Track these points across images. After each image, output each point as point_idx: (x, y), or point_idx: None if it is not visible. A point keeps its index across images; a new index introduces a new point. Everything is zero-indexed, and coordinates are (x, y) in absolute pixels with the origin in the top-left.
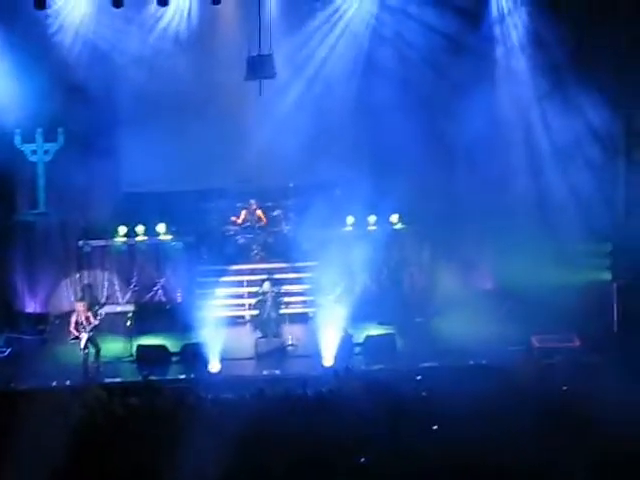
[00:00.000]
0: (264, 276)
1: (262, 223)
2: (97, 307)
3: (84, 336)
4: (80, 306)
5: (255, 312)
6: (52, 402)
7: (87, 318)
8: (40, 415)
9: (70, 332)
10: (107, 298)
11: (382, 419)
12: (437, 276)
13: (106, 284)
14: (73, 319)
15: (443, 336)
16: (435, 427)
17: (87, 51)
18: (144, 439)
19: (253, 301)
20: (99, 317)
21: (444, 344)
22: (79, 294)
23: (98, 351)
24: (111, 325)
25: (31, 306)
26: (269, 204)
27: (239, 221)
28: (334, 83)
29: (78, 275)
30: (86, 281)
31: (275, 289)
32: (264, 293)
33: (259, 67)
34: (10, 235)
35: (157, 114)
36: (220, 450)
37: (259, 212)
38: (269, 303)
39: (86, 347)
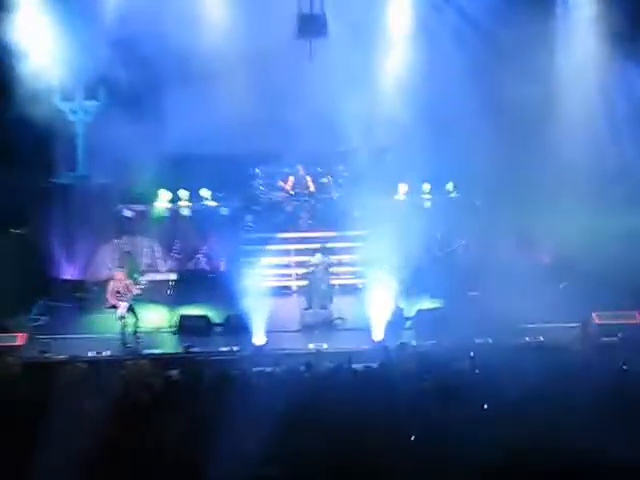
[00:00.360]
0: (312, 245)
1: (311, 190)
2: (137, 275)
3: (123, 305)
4: (119, 274)
5: (303, 283)
6: (89, 374)
7: (126, 286)
8: (75, 388)
9: (108, 300)
10: (148, 266)
11: (433, 397)
12: (493, 248)
13: (146, 251)
14: (111, 287)
15: (498, 311)
16: (486, 406)
17: (133, 7)
18: (184, 415)
19: (300, 271)
20: (140, 286)
21: (499, 320)
22: (118, 261)
23: (137, 321)
24: (151, 294)
25: (68, 273)
26: (318, 170)
27: (287, 187)
28: (387, 46)
29: (117, 241)
30: (126, 248)
31: (325, 259)
32: (315, 264)
33: (310, 25)
34: (47, 198)
35: (205, 73)
36: (264, 427)
37: (308, 178)
38: (319, 274)
39: (124, 316)
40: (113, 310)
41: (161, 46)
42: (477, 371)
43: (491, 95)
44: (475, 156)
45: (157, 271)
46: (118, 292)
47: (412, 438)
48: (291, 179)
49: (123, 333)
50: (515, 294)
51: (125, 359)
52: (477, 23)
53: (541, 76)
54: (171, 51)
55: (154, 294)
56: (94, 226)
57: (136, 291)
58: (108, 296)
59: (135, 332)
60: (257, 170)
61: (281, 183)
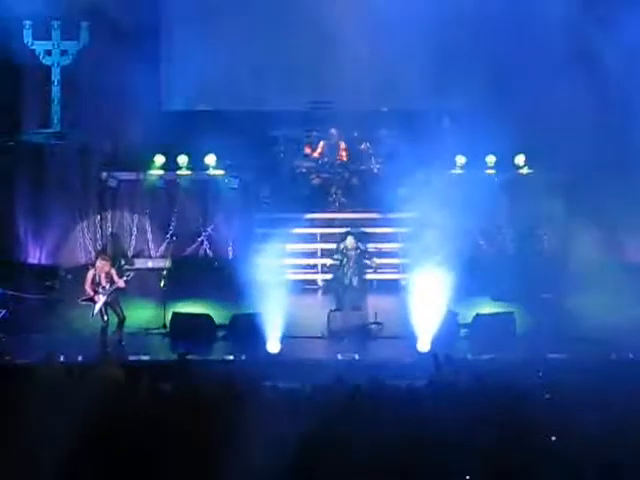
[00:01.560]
0: (345, 229)
1: (344, 159)
2: (123, 263)
3: (101, 299)
4: (101, 260)
5: (331, 276)
6: (56, 382)
7: (108, 276)
8: (39, 399)
9: (84, 292)
10: (136, 250)
11: (492, 424)
12: (572, 240)
13: (135, 231)
14: (90, 276)
15: (577, 319)
16: (554, 438)
17: None
18: (176, 438)
19: (329, 262)
20: (125, 277)
21: (578, 330)
22: (100, 244)
23: (121, 320)
24: (140, 285)
25: (35, 256)
26: (355, 134)
27: (315, 155)
28: None
29: (99, 217)
30: (110, 228)
31: (360, 247)
32: (345, 252)
33: None
34: (12, 160)
35: (217, 9)
36: (278, 458)
37: (342, 144)
38: (350, 265)
39: (102, 313)
40: (89, 303)
41: None
42: (547, 396)
43: (577, 46)
44: (554, 122)
45: (148, 257)
46: (98, 283)
47: (467, 478)
48: (321, 145)
49: (102, 333)
50: (599, 299)
51: (100, 366)
52: None
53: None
54: None
55: (143, 286)
56: (70, 198)
57: (120, 283)
58: (86, 286)
59: (118, 332)
60: (278, 133)
61: (308, 149)
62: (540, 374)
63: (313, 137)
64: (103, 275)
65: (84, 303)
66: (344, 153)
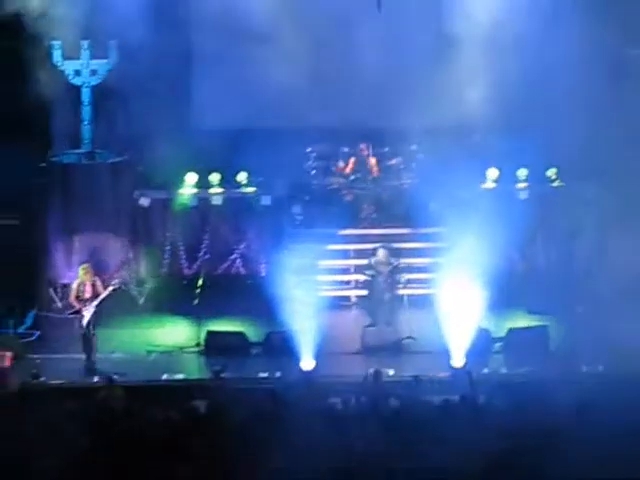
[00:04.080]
0: (376, 245)
1: (375, 174)
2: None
3: (89, 311)
4: (83, 271)
5: (364, 292)
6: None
7: (93, 288)
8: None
9: (71, 305)
10: (170, 267)
11: (528, 441)
12: (608, 253)
13: (168, 248)
14: (74, 288)
15: (613, 333)
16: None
17: None
18: (209, 459)
19: (362, 277)
20: (112, 286)
21: (615, 344)
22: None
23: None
24: (171, 304)
25: (69, 275)
26: (386, 150)
27: (346, 171)
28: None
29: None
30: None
31: (392, 262)
32: (377, 267)
33: None
34: (44, 181)
35: (249, 33)
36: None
37: (372, 160)
38: (383, 280)
39: (90, 325)
40: (76, 316)
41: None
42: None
43: (607, 58)
44: (586, 135)
45: (181, 275)
46: (83, 295)
47: None
48: (352, 161)
49: (88, 350)
50: (636, 312)
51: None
52: None
53: None
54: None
55: (176, 304)
56: (103, 217)
57: (107, 291)
58: (71, 300)
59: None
60: (309, 149)
61: (339, 166)
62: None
63: (344, 153)
64: (88, 287)
65: (72, 316)
66: (375, 169)
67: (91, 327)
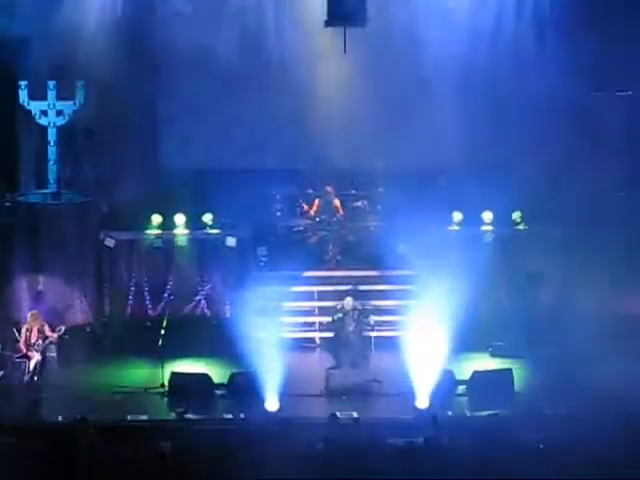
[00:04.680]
0: (341, 287)
1: (340, 213)
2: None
3: (35, 355)
4: (31, 317)
5: (329, 334)
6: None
7: (41, 332)
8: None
9: (19, 349)
10: (133, 309)
11: None
12: (572, 294)
13: (132, 290)
14: (23, 333)
15: (578, 376)
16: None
17: None
18: None
19: (326, 320)
20: (58, 331)
21: (579, 386)
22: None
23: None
24: (136, 345)
25: None
26: (351, 192)
27: (311, 212)
28: (436, 42)
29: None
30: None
31: (357, 306)
32: (344, 311)
33: (345, 10)
34: (8, 220)
35: (209, 73)
36: None
37: (337, 202)
38: (349, 324)
39: (36, 370)
40: (23, 360)
41: (157, 36)
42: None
43: (576, 95)
44: (549, 178)
45: (146, 316)
46: (30, 340)
47: None
48: (316, 203)
49: (33, 390)
50: (603, 352)
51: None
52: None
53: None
54: (171, 45)
55: (140, 344)
56: (68, 258)
57: (54, 337)
58: (19, 344)
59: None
60: (274, 191)
61: (305, 207)
62: (541, 446)
63: (309, 195)
64: (35, 332)
65: (18, 360)
66: (340, 210)
67: (37, 372)
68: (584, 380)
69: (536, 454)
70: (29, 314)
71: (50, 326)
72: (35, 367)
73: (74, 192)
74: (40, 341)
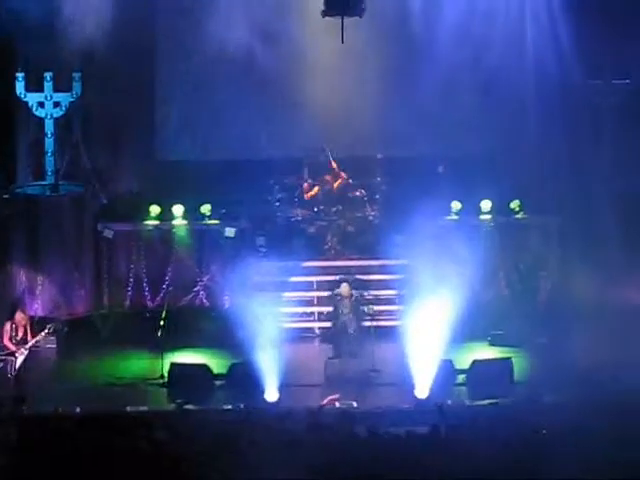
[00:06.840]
0: (341, 276)
1: (336, 190)
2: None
3: (23, 353)
4: (19, 313)
5: (327, 324)
6: None
7: (26, 329)
8: None
9: (4, 346)
10: (132, 300)
11: (491, 473)
12: (570, 283)
13: (131, 281)
14: (7, 329)
15: (577, 363)
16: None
17: None
18: None
19: (325, 309)
20: (47, 330)
21: (578, 374)
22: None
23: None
24: (135, 336)
25: (32, 308)
26: (350, 182)
27: (307, 196)
28: (440, 28)
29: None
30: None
31: (355, 294)
32: (340, 299)
33: (342, 0)
34: (7, 213)
35: (208, 66)
36: None
37: (336, 190)
38: (346, 313)
39: (23, 368)
40: (10, 358)
41: (163, 29)
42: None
43: (572, 85)
44: (548, 167)
45: (144, 307)
46: (17, 336)
47: None
48: (316, 189)
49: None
50: (599, 341)
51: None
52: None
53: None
54: (169, 38)
55: (139, 335)
56: (66, 249)
57: (41, 336)
58: (5, 341)
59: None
60: (273, 181)
61: (305, 186)
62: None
63: (308, 184)
64: (22, 329)
65: (4, 358)
66: (340, 180)
67: (22, 370)
68: (583, 369)
69: (536, 443)
70: (18, 311)
71: (41, 322)
72: (22, 365)
73: (72, 184)
74: (28, 337)
